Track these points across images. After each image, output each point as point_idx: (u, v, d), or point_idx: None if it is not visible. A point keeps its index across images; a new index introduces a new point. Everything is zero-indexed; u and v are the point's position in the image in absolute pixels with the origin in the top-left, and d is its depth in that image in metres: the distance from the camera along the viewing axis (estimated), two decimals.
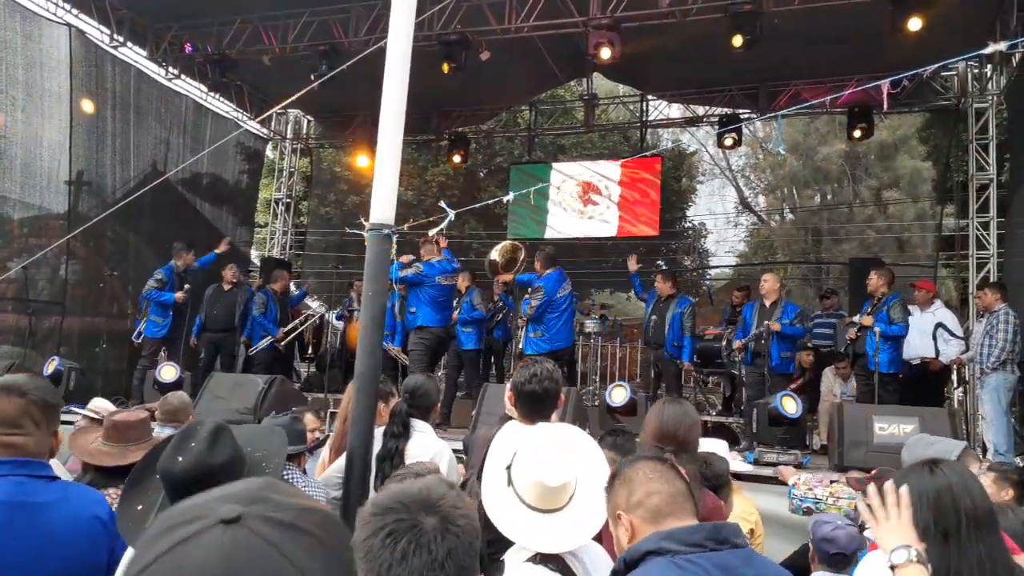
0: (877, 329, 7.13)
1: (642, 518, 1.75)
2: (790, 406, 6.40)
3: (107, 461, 2.59)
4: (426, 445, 3.28)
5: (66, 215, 9.65)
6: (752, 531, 3.59)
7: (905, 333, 7.45)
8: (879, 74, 9.13)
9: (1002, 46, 6.31)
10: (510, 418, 2.96)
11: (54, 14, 9.74)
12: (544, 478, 1.99)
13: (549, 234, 13.04)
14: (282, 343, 9.43)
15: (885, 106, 7.61)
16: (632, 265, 8.90)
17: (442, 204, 3.09)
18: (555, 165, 13.45)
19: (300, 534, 0.73)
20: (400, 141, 3.19)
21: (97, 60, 10.16)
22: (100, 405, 4.60)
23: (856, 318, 7.72)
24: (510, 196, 5.29)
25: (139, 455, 2.73)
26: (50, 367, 8.07)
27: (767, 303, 8.05)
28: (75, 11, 10.03)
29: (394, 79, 3.19)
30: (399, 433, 3.31)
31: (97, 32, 10.32)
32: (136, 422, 2.76)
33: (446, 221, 2.92)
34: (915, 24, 7.36)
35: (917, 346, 8.06)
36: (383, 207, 3.10)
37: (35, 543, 1.79)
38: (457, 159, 13.12)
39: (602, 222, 12.57)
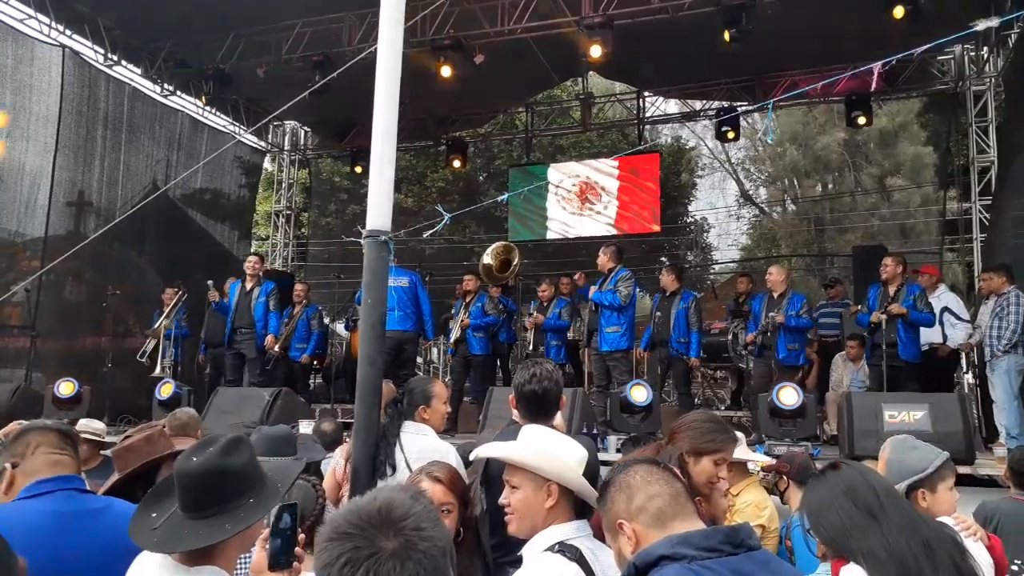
0: (903, 313, 7.03)
1: (646, 524, 1.69)
2: (787, 397, 6.34)
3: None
4: (429, 447, 3.18)
5: (43, 239, 9.53)
6: (764, 527, 3.55)
7: (933, 323, 7.36)
8: (874, 62, 9.11)
9: (994, 22, 6.22)
10: (515, 422, 2.92)
11: (48, 36, 9.76)
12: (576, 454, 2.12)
13: (550, 234, 13.04)
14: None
15: (873, 86, 7.51)
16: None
17: (438, 207, 3.08)
18: (553, 165, 13.45)
19: None
20: (394, 146, 3.17)
21: (90, 81, 10.17)
22: (90, 426, 4.61)
23: (859, 307, 7.64)
24: (504, 196, 5.26)
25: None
26: (65, 388, 7.90)
27: (775, 295, 7.99)
28: (68, 32, 10.05)
29: (385, 83, 3.18)
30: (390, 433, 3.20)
31: (91, 52, 10.35)
32: (133, 443, 2.81)
33: (442, 224, 2.91)
34: (900, 12, 7.43)
35: (924, 332, 7.98)
36: (379, 213, 3.08)
37: (101, 544, 2.01)
38: (456, 164, 13.12)
39: (602, 220, 12.54)
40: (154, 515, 1.84)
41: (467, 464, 3.78)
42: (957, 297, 8.69)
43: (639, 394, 6.82)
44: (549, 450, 2.11)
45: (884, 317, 7.08)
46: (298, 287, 10.25)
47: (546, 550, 1.98)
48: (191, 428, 4.02)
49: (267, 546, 1.81)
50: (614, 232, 12.67)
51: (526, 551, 2.05)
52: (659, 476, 1.76)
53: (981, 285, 7.71)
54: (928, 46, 3.92)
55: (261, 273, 9.17)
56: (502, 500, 2.13)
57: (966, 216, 11.03)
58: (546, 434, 2.22)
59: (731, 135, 11.82)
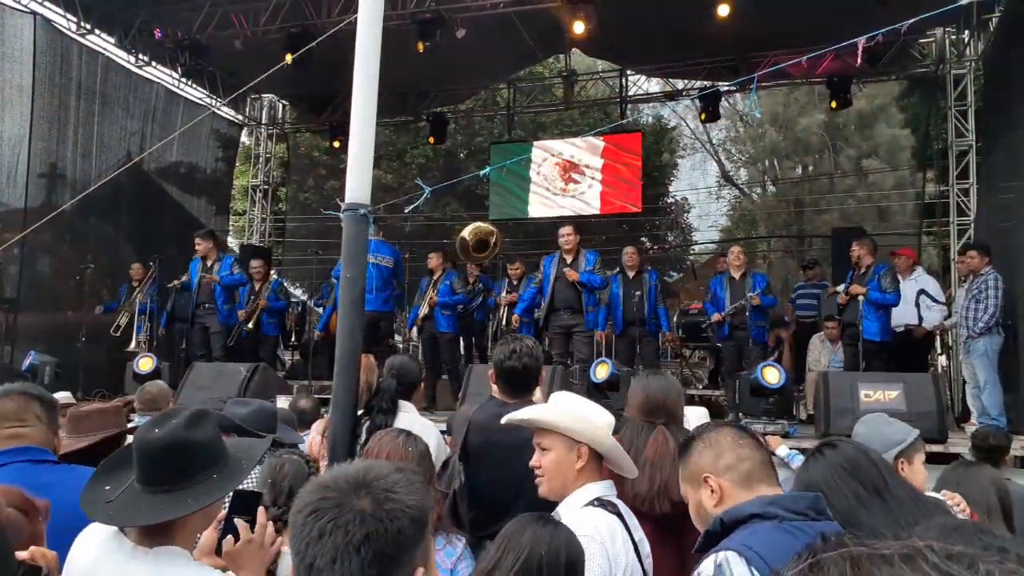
0: (862, 297, 7.10)
1: (732, 482, 1.77)
2: (771, 376, 6.37)
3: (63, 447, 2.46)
4: (411, 424, 3.25)
5: (23, 210, 9.33)
6: None
7: (898, 302, 7.40)
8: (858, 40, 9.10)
9: None
10: (494, 398, 2.92)
11: (19, 2, 9.50)
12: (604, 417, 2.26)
13: (532, 213, 12.98)
14: None
15: (859, 62, 7.56)
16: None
17: (418, 182, 3.04)
18: (535, 143, 13.35)
19: None
20: (373, 116, 3.10)
21: (63, 50, 9.92)
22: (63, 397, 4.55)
23: (840, 288, 7.68)
24: (486, 170, 5.20)
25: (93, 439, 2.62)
26: (26, 362, 7.95)
27: (736, 276, 8.06)
28: None
29: (365, 55, 3.11)
30: (387, 409, 3.30)
31: (64, 20, 10.10)
32: (89, 411, 2.66)
33: (422, 197, 2.86)
34: None
35: (900, 313, 8.05)
36: (358, 186, 3.02)
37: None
38: (436, 140, 13.00)
39: (585, 200, 12.51)
40: (108, 488, 1.74)
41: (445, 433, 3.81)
42: (933, 280, 8.77)
43: (601, 372, 6.84)
44: (581, 413, 2.23)
45: (846, 297, 7.32)
46: (254, 263, 9.96)
47: (587, 505, 2.10)
48: (160, 402, 3.97)
49: (219, 528, 1.76)
50: (596, 211, 12.65)
51: (562, 508, 2.13)
52: (749, 441, 1.85)
53: (959, 266, 7.74)
54: (913, 20, 3.93)
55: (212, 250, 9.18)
56: (533, 463, 2.22)
57: (943, 200, 11.11)
58: (577, 399, 2.33)
59: (703, 117, 11.83)
